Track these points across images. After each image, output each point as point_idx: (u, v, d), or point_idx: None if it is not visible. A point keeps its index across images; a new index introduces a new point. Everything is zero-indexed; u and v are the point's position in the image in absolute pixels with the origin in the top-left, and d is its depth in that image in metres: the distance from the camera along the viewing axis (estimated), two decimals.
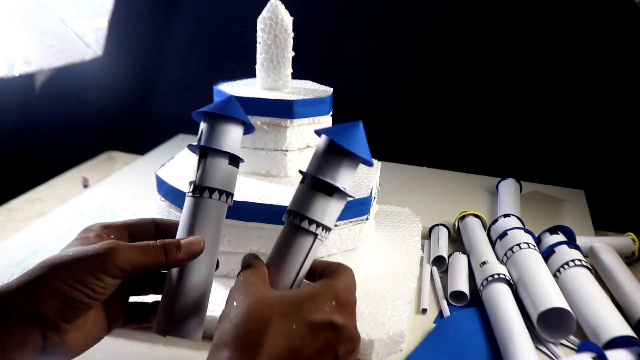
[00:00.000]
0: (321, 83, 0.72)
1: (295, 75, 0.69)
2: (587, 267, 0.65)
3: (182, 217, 0.47)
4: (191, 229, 0.45)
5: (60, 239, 0.76)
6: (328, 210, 0.44)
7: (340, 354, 0.39)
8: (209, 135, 0.47)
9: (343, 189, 0.44)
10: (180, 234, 0.46)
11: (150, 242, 0.43)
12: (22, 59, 0.84)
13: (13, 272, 0.68)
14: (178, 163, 0.69)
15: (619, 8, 0.92)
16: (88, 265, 0.40)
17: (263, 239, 0.61)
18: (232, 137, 0.47)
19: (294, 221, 0.44)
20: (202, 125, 0.48)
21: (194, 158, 0.48)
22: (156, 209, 0.67)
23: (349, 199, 0.45)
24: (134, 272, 0.42)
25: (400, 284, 0.64)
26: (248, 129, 0.49)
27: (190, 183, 0.46)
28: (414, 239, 0.74)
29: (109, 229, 0.46)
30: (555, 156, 1.03)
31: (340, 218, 0.57)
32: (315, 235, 0.44)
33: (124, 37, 1.06)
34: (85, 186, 0.94)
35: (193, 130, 1.17)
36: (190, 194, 0.46)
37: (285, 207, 0.58)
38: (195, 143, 0.48)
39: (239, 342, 0.36)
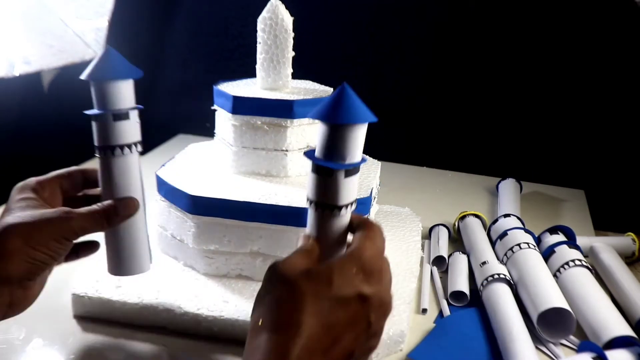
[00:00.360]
0: (321, 83, 0.72)
1: (295, 75, 0.69)
2: (587, 267, 0.65)
3: (99, 175, 0.53)
4: (109, 186, 0.52)
5: None
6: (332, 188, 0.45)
7: (372, 320, 0.40)
8: (94, 100, 0.52)
9: (339, 165, 0.45)
10: (104, 191, 0.52)
11: (94, 208, 0.49)
12: (22, 59, 0.84)
13: None
14: (178, 163, 0.69)
15: (619, 8, 0.92)
16: (52, 231, 0.46)
17: (263, 239, 0.61)
18: (115, 94, 0.52)
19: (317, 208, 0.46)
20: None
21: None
22: (156, 208, 0.67)
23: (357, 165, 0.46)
24: (83, 235, 0.49)
25: (400, 284, 0.64)
26: (132, 74, 0.53)
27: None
28: (414, 239, 0.74)
29: (43, 184, 0.51)
30: (555, 156, 1.03)
31: None
32: (338, 209, 0.45)
33: (124, 37, 1.06)
34: None
35: (193, 130, 1.17)
36: (96, 155, 0.52)
37: (285, 206, 0.59)
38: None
39: (276, 325, 0.38)
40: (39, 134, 1.02)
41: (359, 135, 0.46)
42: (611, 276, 0.68)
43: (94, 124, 0.52)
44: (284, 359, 0.36)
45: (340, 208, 0.45)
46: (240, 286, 0.62)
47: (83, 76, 0.51)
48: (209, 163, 0.70)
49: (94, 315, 0.60)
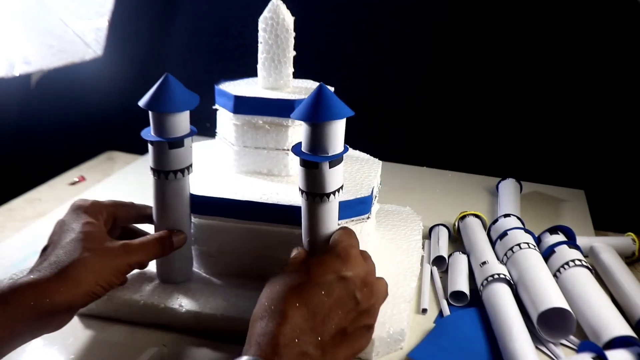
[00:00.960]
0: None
1: (295, 75, 0.69)
2: (587, 267, 0.65)
3: (152, 193, 0.58)
4: (161, 205, 0.59)
5: None
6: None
7: (359, 298, 0.46)
8: (152, 124, 0.56)
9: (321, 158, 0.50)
10: (156, 210, 0.59)
11: (149, 239, 0.55)
12: (22, 59, 0.84)
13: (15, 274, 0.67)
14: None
15: (619, 8, 0.92)
16: (115, 267, 0.50)
17: (264, 239, 0.61)
18: (173, 124, 0.55)
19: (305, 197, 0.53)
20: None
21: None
22: None
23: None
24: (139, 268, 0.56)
25: (401, 283, 0.64)
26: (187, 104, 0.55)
27: (151, 168, 0.57)
28: (414, 237, 0.74)
29: (103, 208, 0.56)
30: (555, 156, 1.03)
31: (341, 217, 0.58)
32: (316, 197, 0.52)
33: (124, 37, 1.06)
34: (72, 183, 0.94)
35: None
36: (152, 176, 0.57)
37: (287, 205, 0.59)
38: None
39: (268, 313, 0.44)
40: (39, 134, 1.02)
41: (338, 129, 0.50)
42: (611, 276, 0.67)
43: (150, 146, 0.56)
44: (274, 340, 0.42)
45: (328, 195, 0.51)
46: (241, 285, 0.62)
47: (142, 104, 0.54)
48: (210, 163, 0.70)
49: (96, 313, 0.60)
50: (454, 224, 0.80)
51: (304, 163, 0.51)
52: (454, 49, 1.04)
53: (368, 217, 0.63)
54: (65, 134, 1.05)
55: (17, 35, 0.85)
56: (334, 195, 0.52)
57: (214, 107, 0.69)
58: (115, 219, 0.58)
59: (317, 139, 0.50)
